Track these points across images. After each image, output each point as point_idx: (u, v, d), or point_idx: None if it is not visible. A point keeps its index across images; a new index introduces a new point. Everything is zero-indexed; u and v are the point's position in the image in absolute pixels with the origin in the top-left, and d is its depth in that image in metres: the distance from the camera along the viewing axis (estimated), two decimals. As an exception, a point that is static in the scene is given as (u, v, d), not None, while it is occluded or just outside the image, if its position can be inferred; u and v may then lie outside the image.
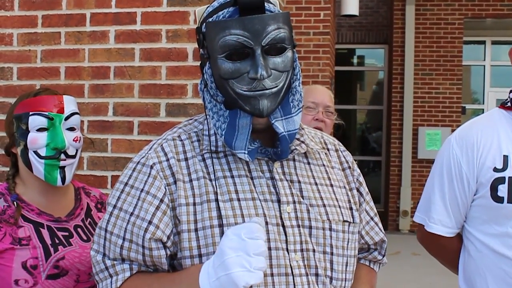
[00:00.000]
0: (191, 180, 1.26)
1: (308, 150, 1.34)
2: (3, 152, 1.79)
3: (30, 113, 1.65)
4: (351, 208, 1.37)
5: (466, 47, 8.65)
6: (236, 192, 1.24)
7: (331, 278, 1.28)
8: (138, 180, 1.27)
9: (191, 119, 1.40)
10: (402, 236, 8.08)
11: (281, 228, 1.24)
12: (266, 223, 1.22)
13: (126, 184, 1.28)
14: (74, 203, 1.77)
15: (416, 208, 1.80)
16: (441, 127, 8.38)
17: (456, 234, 1.72)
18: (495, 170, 1.57)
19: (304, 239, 1.25)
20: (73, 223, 1.72)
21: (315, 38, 5.94)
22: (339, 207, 1.33)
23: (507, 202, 1.54)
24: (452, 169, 1.64)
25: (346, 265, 1.32)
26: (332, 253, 1.29)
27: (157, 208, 1.23)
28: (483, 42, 9.14)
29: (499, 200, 1.55)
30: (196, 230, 1.21)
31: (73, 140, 1.69)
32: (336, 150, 1.44)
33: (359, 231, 1.39)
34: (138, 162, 1.30)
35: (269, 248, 1.20)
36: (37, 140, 1.65)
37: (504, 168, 1.56)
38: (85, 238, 1.70)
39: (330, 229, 1.29)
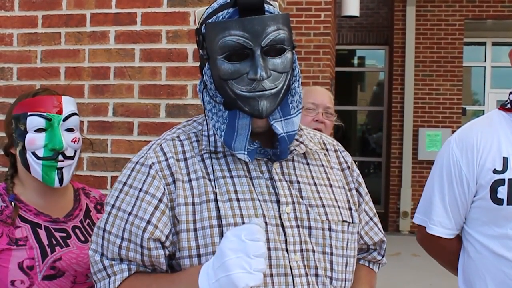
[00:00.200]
0: (190, 180, 1.26)
1: (307, 150, 1.34)
2: (2, 153, 1.78)
3: (29, 113, 1.65)
4: (350, 209, 1.37)
5: (467, 48, 8.66)
6: (236, 192, 1.24)
7: (331, 279, 1.27)
8: (137, 180, 1.27)
9: (190, 120, 1.40)
10: (402, 237, 8.07)
11: (280, 228, 1.24)
12: (266, 223, 1.22)
13: (124, 183, 1.28)
14: (73, 204, 1.77)
15: (416, 209, 1.79)
16: (442, 128, 8.38)
17: (456, 236, 1.72)
18: (495, 172, 1.57)
19: (303, 240, 1.25)
20: (71, 224, 1.71)
21: (316, 39, 5.94)
22: (338, 207, 1.33)
23: (507, 204, 1.54)
24: (452, 171, 1.64)
25: (346, 265, 1.32)
26: (332, 253, 1.29)
27: (156, 207, 1.23)
28: (484, 43, 9.14)
29: (498, 202, 1.55)
30: (195, 230, 1.21)
31: (72, 141, 1.68)
32: (335, 151, 1.44)
33: (358, 231, 1.39)
34: (137, 162, 1.30)
35: (269, 249, 1.20)
36: (35, 140, 1.64)
37: (504, 170, 1.56)
38: (83, 239, 1.70)
39: (330, 229, 1.29)
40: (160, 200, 1.23)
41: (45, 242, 1.62)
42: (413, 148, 8.44)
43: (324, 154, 1.40)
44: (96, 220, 1.76)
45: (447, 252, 1.75)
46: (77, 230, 1.71)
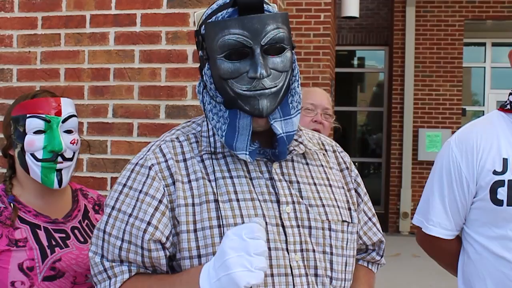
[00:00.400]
0: (190, 181, 1.25)
1: (306, 150, 1.35)
2: (1, 154, 1.78)
3: (27, 115, 1.65)
4: (349, 209, 1.37)
5: (467, 49, 8.66)
6: (235, 192, 1.24)
7: (331, 278, 1.28)
8: (137, 181, 1.27)
9: (189, 121, 1.40)
10: (402, 238, 8.07)
11: (280, 228, 1.24)
12: (266, 223, 1.22)
13: (124, 185, 1.28)
14: (72, 204, 1.77)
15: (416, 210, 1.79)
16: (442, 128, 8.38)
17: (455, 237, 1.72)
18: (495, 173, 1.57)
19: (304, 239, 1.25)
20: (70, 224, 1.71)
21: (316, 39, 5.94)
22: (338, 207, 1.33)
23: (507, 205, 1.54)
24: (452, 172, 1.64)
25: (346, 265, 1.32)
26: (331, 253, 1.29)
27: (156, 209, 1.23)
28: (484, 44, 9.14)
29: (498, 203, 1.55)
30: (195, 230, 1.21)
31: (70, 143, 1.68)
32: (334, 151, 1.44)
33: (357, 231, 1.39)
34: (137, 163, 1.29)
35: (269, 248, 1.20)
36: (34, 142, 1.64)
37: (503, 171, 1.56)
38: (82, 239, 1.70)
39: (330, 229, 1.29)
40: (160, 201, 1.23)
41: (45, 243, 1.62)
42: (413, 148, 8.44)
43: (323, 154, 1.40)
44: (94, 221, 1.76)
45: (447, 253, 1.75)
46: (76, 231, 1.71)
